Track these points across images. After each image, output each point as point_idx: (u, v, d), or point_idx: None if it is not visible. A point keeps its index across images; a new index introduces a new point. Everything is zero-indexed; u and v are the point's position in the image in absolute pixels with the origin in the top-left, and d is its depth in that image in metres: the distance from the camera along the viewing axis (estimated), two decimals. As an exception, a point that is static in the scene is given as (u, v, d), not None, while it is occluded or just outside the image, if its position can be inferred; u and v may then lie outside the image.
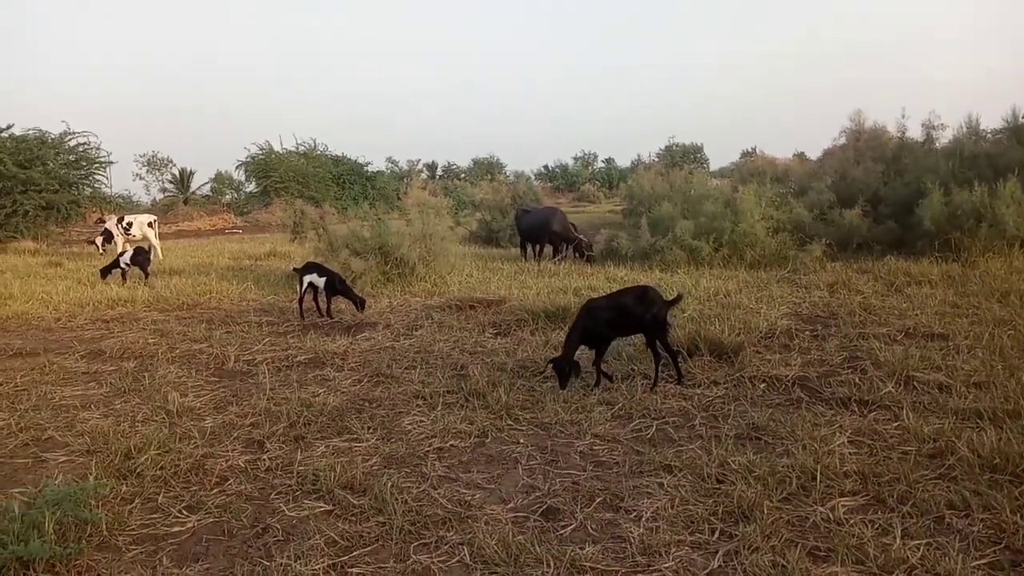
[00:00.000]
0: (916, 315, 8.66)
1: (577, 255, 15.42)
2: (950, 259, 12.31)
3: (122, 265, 13.30)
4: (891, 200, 15.25)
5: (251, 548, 4.01)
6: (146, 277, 13.23)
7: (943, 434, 5.07)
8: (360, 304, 9.87)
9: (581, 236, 15.80)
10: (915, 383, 6.24)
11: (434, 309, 10.18)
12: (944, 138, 17.53)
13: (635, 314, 6.36)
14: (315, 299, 10.18)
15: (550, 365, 6.51)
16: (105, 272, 13.39)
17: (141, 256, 13.36)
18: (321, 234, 13.21)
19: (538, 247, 15.92)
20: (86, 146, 23.38)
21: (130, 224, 17.02)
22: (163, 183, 50.56)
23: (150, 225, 17.53)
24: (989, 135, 16.32)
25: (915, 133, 18.59)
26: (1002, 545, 3.75)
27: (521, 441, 5.42)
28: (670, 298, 6.64)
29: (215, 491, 4.72)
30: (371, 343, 8.45)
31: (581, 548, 3.85)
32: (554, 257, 15.51)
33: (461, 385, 6.69)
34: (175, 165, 50.32)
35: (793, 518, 4.08)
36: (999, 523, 3.92)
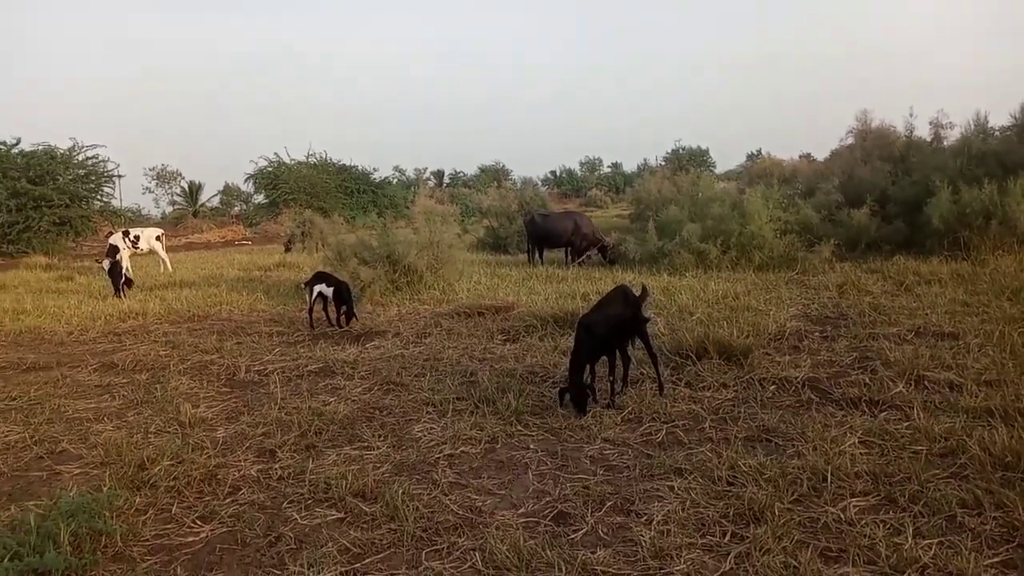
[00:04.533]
0: (926, 314, 8.63)
1: (602, 256, 15.92)
2: (959, 258, 12.29)
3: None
4: (899, 199, 15.22)
5: (264, 557, 4.03)
6: (116, 293, 13.32)
7: (954, 433, 5.05)
8: (349, 318, 9.86)
9: (605, 238, 16.04)
10: (925, 382, 6.22)
11: (443, 316, 10.21)
12: (952, 137, 17.49)
13: (626, 316, 6.23)
14: (325, 309, 10.21)
15: (564, 396, 6.08)
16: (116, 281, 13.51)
17: (115, 271, 13.48)
18: (321, 244, 13.27)
19: (570, 250, 16.21)
20: (95, 160, 23.55)
21: (137, 237, 17.12)
22: (172, 196, 51.13)
23: (158, 239, 17.63)
24: (997, 132, 16.26)
25: (923, 132, 18.57)
26: (1015, 543, 3.72)
27: (531, 446, 5.43)
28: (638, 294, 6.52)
29: (228, 501, 4.75)
30: (381, 351, 8.48)
31: (592, 552, 3.86)
32: (574, 260, 15.78)
33: (471, 392, 6.71)
34: (184, 178, 50.92)
35: (804, 519, 4.07)
36: (1012, 521, 3.90)
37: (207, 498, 4.79)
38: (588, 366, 6.37)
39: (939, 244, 12.96)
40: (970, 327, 7.86)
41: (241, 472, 5.17)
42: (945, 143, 17.61)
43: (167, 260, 17.93)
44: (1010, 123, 15.96)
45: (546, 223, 16.25)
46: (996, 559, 3.59)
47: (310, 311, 10.12)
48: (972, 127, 16.27)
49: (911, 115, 18.95)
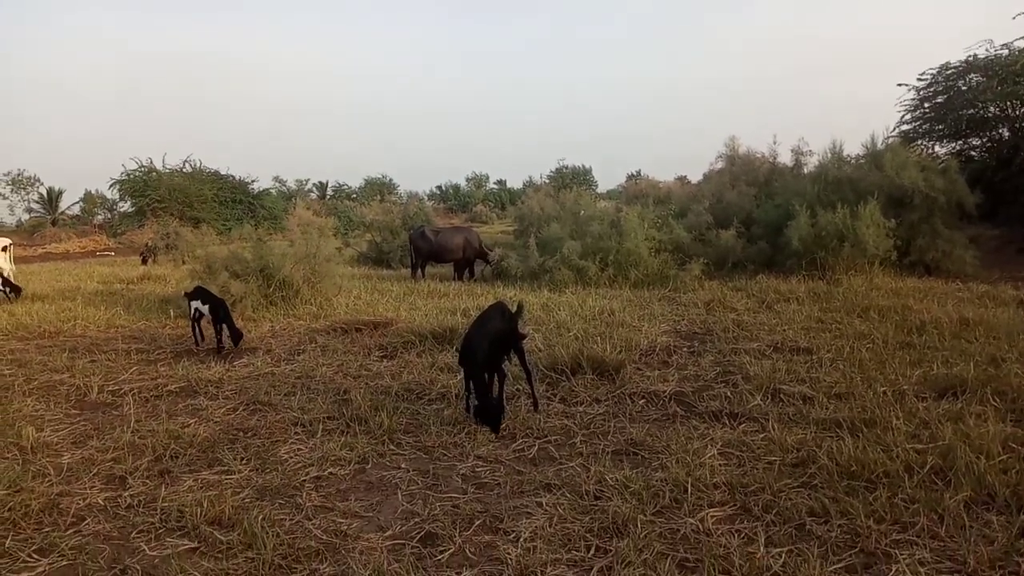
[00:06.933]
0: (784, 330, 9.13)
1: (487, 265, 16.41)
2: (816, 277, 13.13)
3: None
4: (763, 221, 16.12)
5: (106, 592, 3.75)
6: None
7: (805, 444, 5.33)
8: (236, 338, 9.38)
9: (489, 253, 16.28)
10: (782, 395, 6.55)
11: (318, 332, 9.93)
12: (811, 164, 18.68)
13: (504, 331, 6.21)
14: (198, 326, 9.60)
15: (475, 418, 6.02)
16: None
17: None
18: (188, 257, 12.70)
19: (465, 266, 16.45)
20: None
21: None
22: (29, 203, 47.58)
23: (4, 249, 16.22)
24: (851, 160, 17.46)
25: (785, 159, 19.76)
26: (857, 548, 3.95)
27: (402, 466, 5.33)
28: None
29: (70, 532, 4.40)
30: (249, 369, 8.13)
31: (458, 573, 3.81)
32: (461, 276, 15.98)
33: (343, 410, 6.53)
34: (42, 184, 47.43)
35: (665, 531, 4.18)
36: (855, 528, 4.14)
37: (47, 529, 4.43)
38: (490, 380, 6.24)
39: (798, 264, 13.80)
40: (823, 342, 8.37)
41: (86, 501, 4.80)
42: (805, 170, 18.81)
43: (13, 272, 16.55)
44: (862, 152, 17.18)
45: (438, 239, 16.29)
46: (840, 564, 3.79)
47: (192, 326, 9.50)
48: (829, 155, 17.41)
49: (774, 142, 20.28)
